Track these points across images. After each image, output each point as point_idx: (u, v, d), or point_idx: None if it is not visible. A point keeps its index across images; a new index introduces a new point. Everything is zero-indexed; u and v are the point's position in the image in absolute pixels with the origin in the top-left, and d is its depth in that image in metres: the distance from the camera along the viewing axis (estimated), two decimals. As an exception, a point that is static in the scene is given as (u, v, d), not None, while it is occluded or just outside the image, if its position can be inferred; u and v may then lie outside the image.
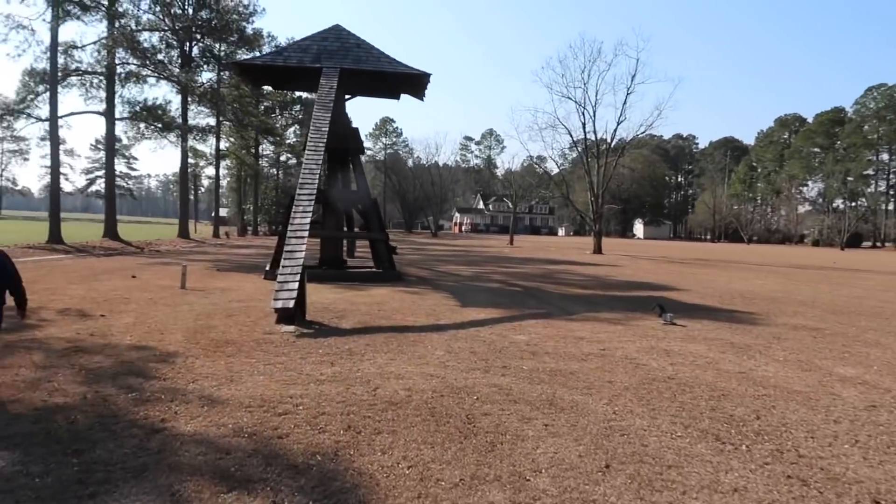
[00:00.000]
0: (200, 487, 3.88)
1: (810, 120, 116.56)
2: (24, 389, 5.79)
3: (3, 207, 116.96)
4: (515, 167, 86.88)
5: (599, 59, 54.66)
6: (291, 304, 9.02)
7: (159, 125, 39.30)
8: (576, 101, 44.57)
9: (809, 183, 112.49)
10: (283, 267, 9.78)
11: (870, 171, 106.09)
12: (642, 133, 45.55)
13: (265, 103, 62.14)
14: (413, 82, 18.57)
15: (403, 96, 20.26)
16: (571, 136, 45.01)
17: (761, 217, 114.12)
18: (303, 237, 10.55)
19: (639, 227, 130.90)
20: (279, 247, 17.30)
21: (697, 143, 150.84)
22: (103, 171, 57.59)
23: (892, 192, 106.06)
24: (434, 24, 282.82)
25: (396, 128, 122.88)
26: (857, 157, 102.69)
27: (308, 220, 10.94)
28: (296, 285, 9.33)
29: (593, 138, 44.29)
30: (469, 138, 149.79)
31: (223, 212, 75.15)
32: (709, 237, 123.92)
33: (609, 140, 43.52)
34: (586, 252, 41.32)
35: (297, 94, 68.31)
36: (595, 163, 43.33)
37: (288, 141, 70.73)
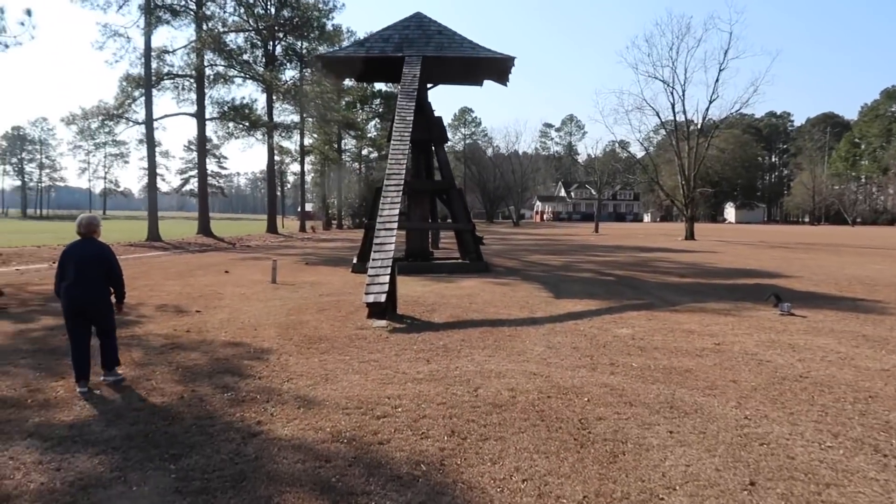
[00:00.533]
0: (301, 501, 3.59)
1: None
2: (123, 388, 5.74)
3: (107, 208, 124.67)
4: (598, 153, 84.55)
5: (688, 34, 51.88)
6: (383, 298, 8.76)
7: (247, 123, 40.42)
8: (663, 81, 42.37)
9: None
10: (372, 260, 9.55)
11: None
12: (736, 111, 43.07)
13: (346, 98, 63.05)
14: (497, 67, 18.03)
15: (486, 82, 19.81)
16: (659, 117, 43.00)
17: (866, 197, 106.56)
18: (392, 229, 10.28)
19: (730, 211, 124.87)
20: (366, 239, 17.25)
21: (793, 121, 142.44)
22: (196, 171, 60.18)
23: None
24: (512, 8, 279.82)
25: (475, 117, 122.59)
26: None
27: (397, 212, 10.67)
28: (387, 279, 9.07)
29: (682, 119, 42.15)
30: (549, 125, 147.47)
31: (308, 206, 76.95)
32: (806, 220, 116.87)
33: (700, 120, 41.41)
34: (678, 238, 39.56)
35: (377, 87, 69.13)
36: (685, 144, 41.31)
37: (369, 135, 71.71)
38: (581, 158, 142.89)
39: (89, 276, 5.55)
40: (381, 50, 17.32)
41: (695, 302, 11.59)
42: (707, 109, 41.46)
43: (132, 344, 7.51)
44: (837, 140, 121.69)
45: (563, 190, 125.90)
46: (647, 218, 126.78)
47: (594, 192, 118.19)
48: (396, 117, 13.78)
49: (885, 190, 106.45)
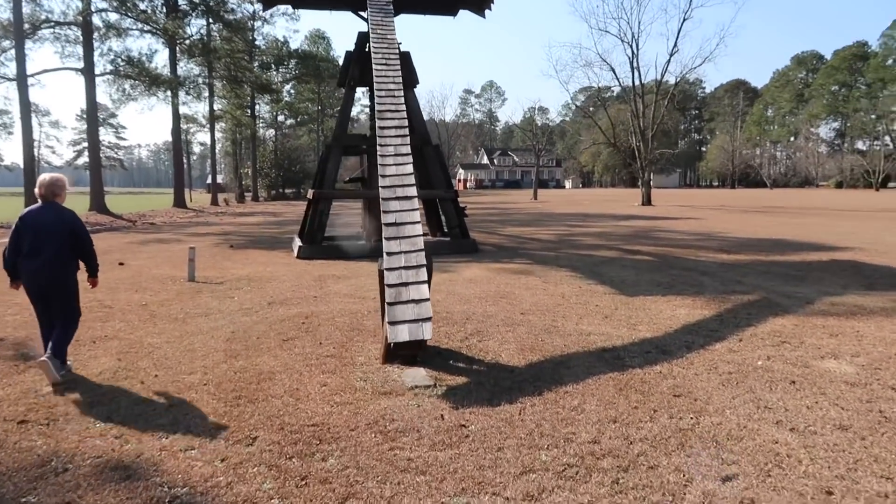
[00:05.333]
0: None
1: (829, 57, 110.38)
2: None
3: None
4: (516, 120, 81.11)
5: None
6: (426, 332, 4.59)
7: (146, 80, 34.22)
8: (617, 35, 39.18)
9: (832, 123, 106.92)
10: (388, 255, 5.19)
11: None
12: (699, 65, 40.56)
13: (259, 58, 57.09)
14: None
15: (461, 13, 15.57)
16: (615, 72, 39.81)
17: (778, 161, 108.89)
18: (412, 197, 5.77)
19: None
20: (314, 213, 12.91)
21: (704, 88, 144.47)
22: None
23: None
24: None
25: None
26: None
27: (411, 169, 6.32)
28: (426, 290, 4.88)
29: (638, 76, 38.86)
30: (469, 91, 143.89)
31: (218, 178, 69.97)
32: (717, 184, 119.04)
33: (660, 75, 38.29)
34: (634, 204, 36.64)
35: (294, 46, 63.28)
36: (640, 103, 38.21)
37: (285, 99, 65.77)
38: (500, 126, 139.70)
39: (50, 249, 4.65)
40: (329, -42, 12.76)
41: (827, 296, 8.05)
42: (667, 63, 38.63)
43: None
44: (749, 106, 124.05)
45: (485, 157, 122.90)
46: (568, 184, 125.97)
47: (517, 160, 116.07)
48: (374, 38, 9.39)
49: (795, 154, 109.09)
